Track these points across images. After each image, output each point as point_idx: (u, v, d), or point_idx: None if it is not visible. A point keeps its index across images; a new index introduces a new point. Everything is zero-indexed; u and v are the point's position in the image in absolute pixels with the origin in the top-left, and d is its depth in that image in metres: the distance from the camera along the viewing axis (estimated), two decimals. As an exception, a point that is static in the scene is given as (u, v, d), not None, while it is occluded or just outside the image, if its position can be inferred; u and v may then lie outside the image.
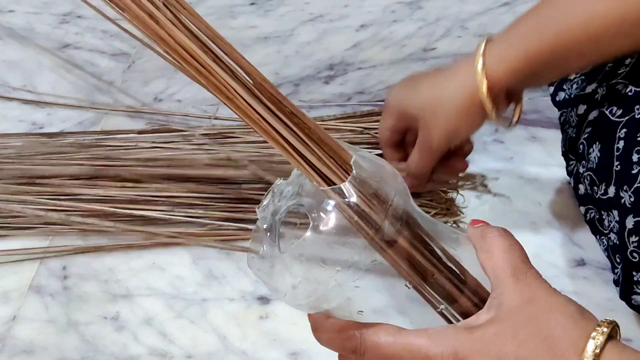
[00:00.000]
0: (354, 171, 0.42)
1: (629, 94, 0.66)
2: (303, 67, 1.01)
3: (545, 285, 0.43)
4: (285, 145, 0.42)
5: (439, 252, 0.45)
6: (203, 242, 0.78)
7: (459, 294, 0.45)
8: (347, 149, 0.44)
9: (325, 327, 0.45)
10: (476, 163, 0.82)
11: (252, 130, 0.93)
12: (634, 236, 0.61)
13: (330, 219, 0.42)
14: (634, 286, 0.62)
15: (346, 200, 0.42)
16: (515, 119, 0.68)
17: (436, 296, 0.45)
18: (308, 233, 0.42)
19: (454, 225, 0.76)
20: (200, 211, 0.81)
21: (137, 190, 0.83)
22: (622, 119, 0.65)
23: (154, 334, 0.72)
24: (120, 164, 0.86)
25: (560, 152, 0.79)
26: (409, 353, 0.41)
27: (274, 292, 0.46)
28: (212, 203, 0.81)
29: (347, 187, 0.42)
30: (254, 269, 0.45)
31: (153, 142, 0.88)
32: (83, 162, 0.87)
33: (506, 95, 0.64)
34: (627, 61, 0.69)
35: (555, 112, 0.85)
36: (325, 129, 0.87)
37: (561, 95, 0.80)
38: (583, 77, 0.75)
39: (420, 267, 0.44)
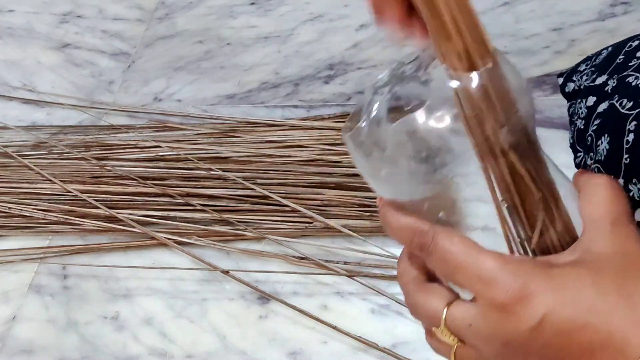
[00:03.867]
0: (490, 64, 0.38)
1: None
2: (303, 66, 1.01)
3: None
4: (435, 15, 0.38)
5: (542, 182, 0.42)
6: (203, 242, 0.78)
7: (549, 227, 0.41)
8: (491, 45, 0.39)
9: (398, 215, 0.41)
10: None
11: (252, 129, 0.92)
12: None
13: (450, 104, 0.38)
14: None
15: (475, 90, 0.38)
16: None
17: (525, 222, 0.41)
18: (421, 110, 0.39)
19: None
20: (200, 213, 0.81)
21: (136, 189, 0.83)
22: (633, 112, 0.65)
23: (154, 333, 0.72)
24: (120, 163, 0.87)
25: (560, 152, 0.79)
26: (476, 270, 0.37)
27: (368, 172, 0.42)
28: (212, 202, 0.81)
29: (480, 75, 0.38)
30: (354, 141, 0.41)
31: (154, 141, 0.88)
32: (82, 161, 0.87)
33: None
34: (639, 54, 0.69)
35: (555, 112, 0.85)
36: (325, 128, 0.87)
37: (570, 87, 0.80)
38: (593, 69, 0.75)
39: (522, 188, 0.41)
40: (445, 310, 0.38)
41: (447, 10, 0.38)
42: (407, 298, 0.41)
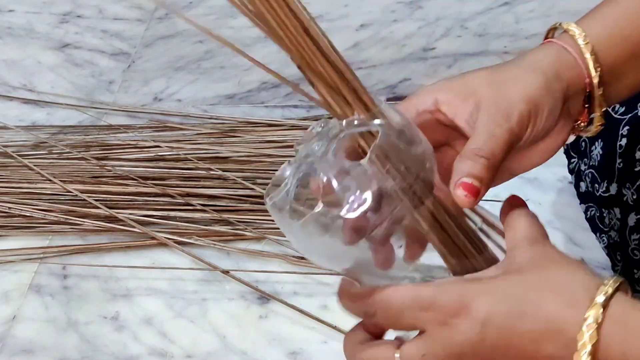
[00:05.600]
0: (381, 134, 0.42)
1: None
2: (303, 66, 1.01)
3: (560, 252, 0.43)
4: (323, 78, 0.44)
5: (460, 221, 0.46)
6: (203, 242, 0.78)
7: (475, 255, 0.46)
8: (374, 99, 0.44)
9: (345, 294, 0.45)
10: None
11: (252, 129, 0.92)
12: (635, 234, 0.62)
13: (368, 187, 0.41)
14: (635, 284, 0.62)
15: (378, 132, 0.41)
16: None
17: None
18: (319, 208, 0.41)
19: None
20: (200, 212, 0.81)
21: (136, 189, 0.83)
22: (625, 117, 0.65)
23: (153, 333, 0.72)
24: (120, 163, 0.87)
25: (560, 152, 0.79)
26: (416, 303, 0.40)
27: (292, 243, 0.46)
28: (212, 202, 0.81)
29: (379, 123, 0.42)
30: (275, 209, 0.44)
31: (153, 141, 0.88)
32: (82, 161, 0.87)
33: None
34: None
35: (555, 112, 0.85)
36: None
37: None
38: None
39: (445, 228, 0.45)
40: (396, 352, 0.41)
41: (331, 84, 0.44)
42: None
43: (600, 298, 0.38)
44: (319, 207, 0.41)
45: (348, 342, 0.45)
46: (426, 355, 0.41)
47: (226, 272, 0.76)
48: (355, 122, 0.42)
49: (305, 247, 0.44)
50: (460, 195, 0.43)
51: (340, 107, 0.43)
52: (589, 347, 0.37)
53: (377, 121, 0.42)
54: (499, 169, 0.45)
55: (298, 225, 0.42)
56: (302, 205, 0.42)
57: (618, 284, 0.39)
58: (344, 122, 0.42)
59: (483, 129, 0.45)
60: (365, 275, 0.45)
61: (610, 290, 0.38)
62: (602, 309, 0.37)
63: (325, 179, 0.42)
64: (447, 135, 0.49)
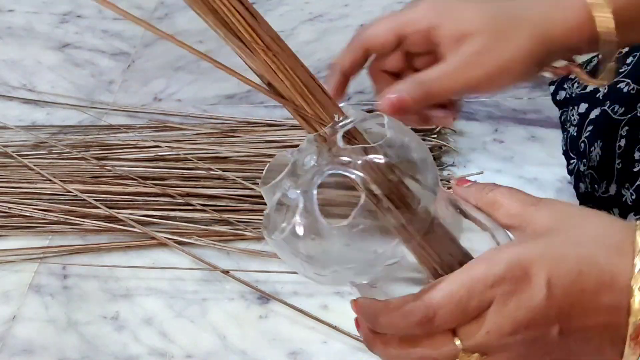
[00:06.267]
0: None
1: (631, 92, 0.66)
2: (303, 66, 1.00)
3: (566, 202, 0.43)
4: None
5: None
6: (203, 242, 0.78)
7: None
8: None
9: (380, 309, 0.42)
10: (476, 162, 0.82)
11: (252, 129, 0.92)
12: None
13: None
14: None
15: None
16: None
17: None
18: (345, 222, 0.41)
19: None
20: (200, 212, 0.81)
21: (136, 189, 0.83)
22: (624, 117, 0.66)
23: (154, 333, 0.72)
24: (120, 163, 0.87)
25: (560, 152, 0.79)
26: (480, 283, 0.39)
27: (292, 267, 0.45)
28: (212, 202, 0.81)
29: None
30: (273, 246, 0.44)
31: (153, 141, 0.88)
32: (82, 161, 0.87)
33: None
34: (629, 60, 0.70)
35: (555, 112, 0.85)
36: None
37: (562, 94, 0.80)
38: None
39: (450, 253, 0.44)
40: (455, 339, 0.40)
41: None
42: (412, 357, 0.42)
43: None
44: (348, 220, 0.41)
45: (391, 347, 0.42)
46: (490, 332, 0.39)
47: (226, 272, 0.76)
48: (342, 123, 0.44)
49: (329, 258, 0.43)
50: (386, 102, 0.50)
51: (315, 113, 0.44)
52: None
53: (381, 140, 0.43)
54: (430, 102, 0.52)
55: (332, 231, 0.41)
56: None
57: None
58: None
59: (447, 67, 0.51)
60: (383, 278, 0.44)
61: None
62: None
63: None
64: (419, 45, 0.55)
